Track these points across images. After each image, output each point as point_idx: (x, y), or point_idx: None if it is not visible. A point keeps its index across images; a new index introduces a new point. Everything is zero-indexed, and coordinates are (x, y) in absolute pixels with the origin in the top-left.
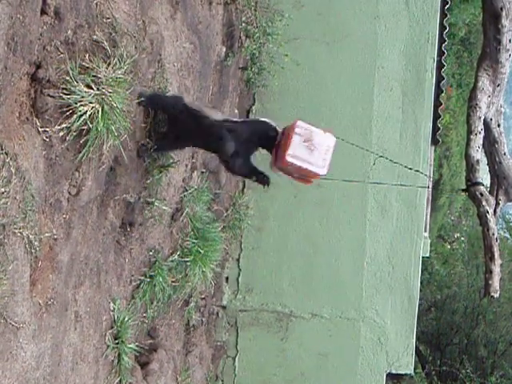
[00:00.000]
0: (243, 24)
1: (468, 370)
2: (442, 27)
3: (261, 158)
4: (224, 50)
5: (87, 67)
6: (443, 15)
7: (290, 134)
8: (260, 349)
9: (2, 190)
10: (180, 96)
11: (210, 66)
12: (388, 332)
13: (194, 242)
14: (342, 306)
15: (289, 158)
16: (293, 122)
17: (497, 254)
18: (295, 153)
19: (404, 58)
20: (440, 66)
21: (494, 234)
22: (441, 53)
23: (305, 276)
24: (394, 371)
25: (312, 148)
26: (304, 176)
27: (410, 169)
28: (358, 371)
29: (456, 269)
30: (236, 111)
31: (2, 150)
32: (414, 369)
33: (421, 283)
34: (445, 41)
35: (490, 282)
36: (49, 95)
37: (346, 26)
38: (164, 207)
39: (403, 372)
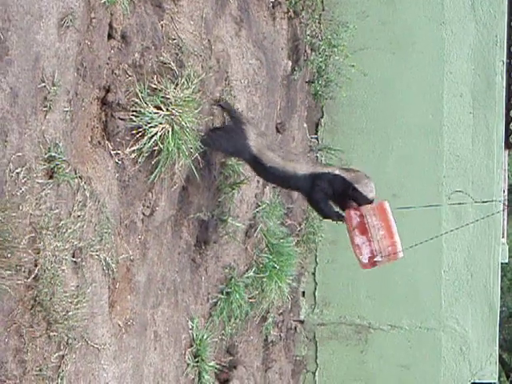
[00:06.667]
0: (308, 37)
1: None
2: (510, 29)
3: None
4: (290, 64)
5: (155, 88)
6: (511, 16)
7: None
8: (340, 362)
9: (78, 213)
10: (246, 142)
11: (277, 81)
12: (470, 341)
13: (268, 258)
14: (421, 316)
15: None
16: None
17: None
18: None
19: (472, 63)
20: (510, 68)
21: None
22: (510, 55)
23: (382, 287)
24: (477, 381)
25: None
26: (381, 252)
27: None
28: (440, 382)
29: None
30: (305, 125)
31: (76, 174)
32: (498, 377)
33: (501, 290)
34: None
35: None
36: (119, 118)
37: (412, 34)
38: (237, 224)
39: (487, 381)
